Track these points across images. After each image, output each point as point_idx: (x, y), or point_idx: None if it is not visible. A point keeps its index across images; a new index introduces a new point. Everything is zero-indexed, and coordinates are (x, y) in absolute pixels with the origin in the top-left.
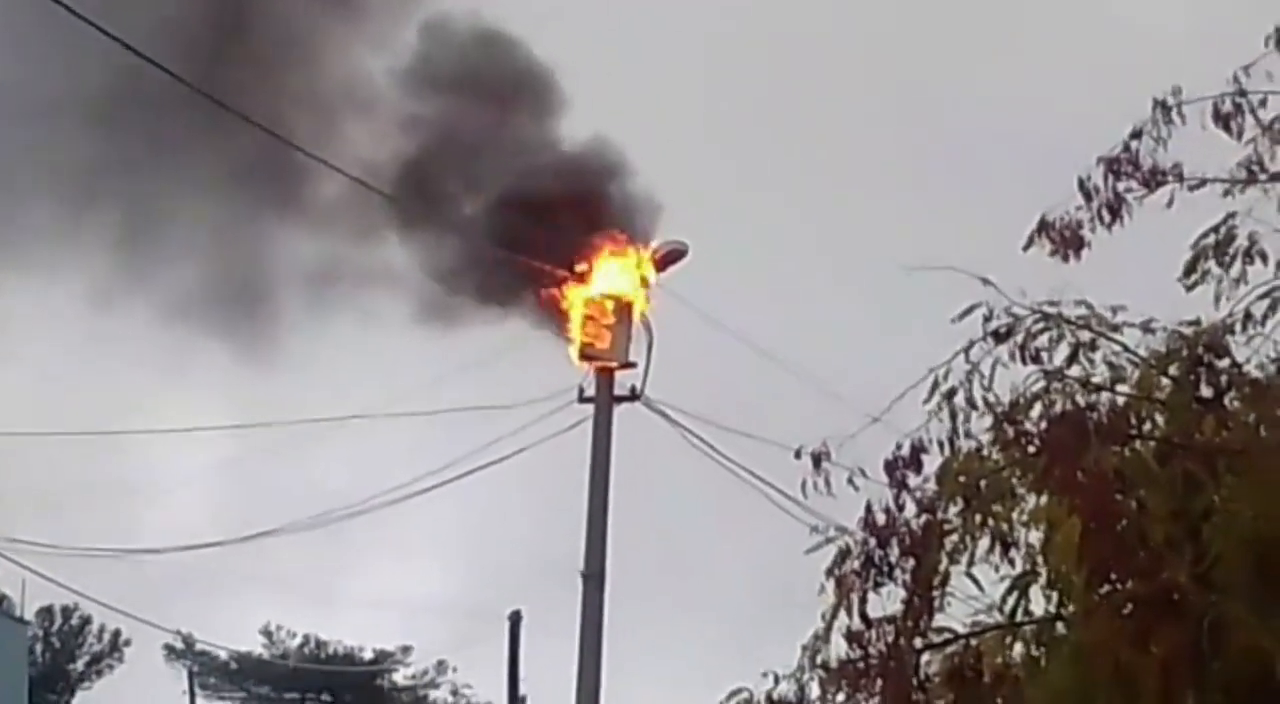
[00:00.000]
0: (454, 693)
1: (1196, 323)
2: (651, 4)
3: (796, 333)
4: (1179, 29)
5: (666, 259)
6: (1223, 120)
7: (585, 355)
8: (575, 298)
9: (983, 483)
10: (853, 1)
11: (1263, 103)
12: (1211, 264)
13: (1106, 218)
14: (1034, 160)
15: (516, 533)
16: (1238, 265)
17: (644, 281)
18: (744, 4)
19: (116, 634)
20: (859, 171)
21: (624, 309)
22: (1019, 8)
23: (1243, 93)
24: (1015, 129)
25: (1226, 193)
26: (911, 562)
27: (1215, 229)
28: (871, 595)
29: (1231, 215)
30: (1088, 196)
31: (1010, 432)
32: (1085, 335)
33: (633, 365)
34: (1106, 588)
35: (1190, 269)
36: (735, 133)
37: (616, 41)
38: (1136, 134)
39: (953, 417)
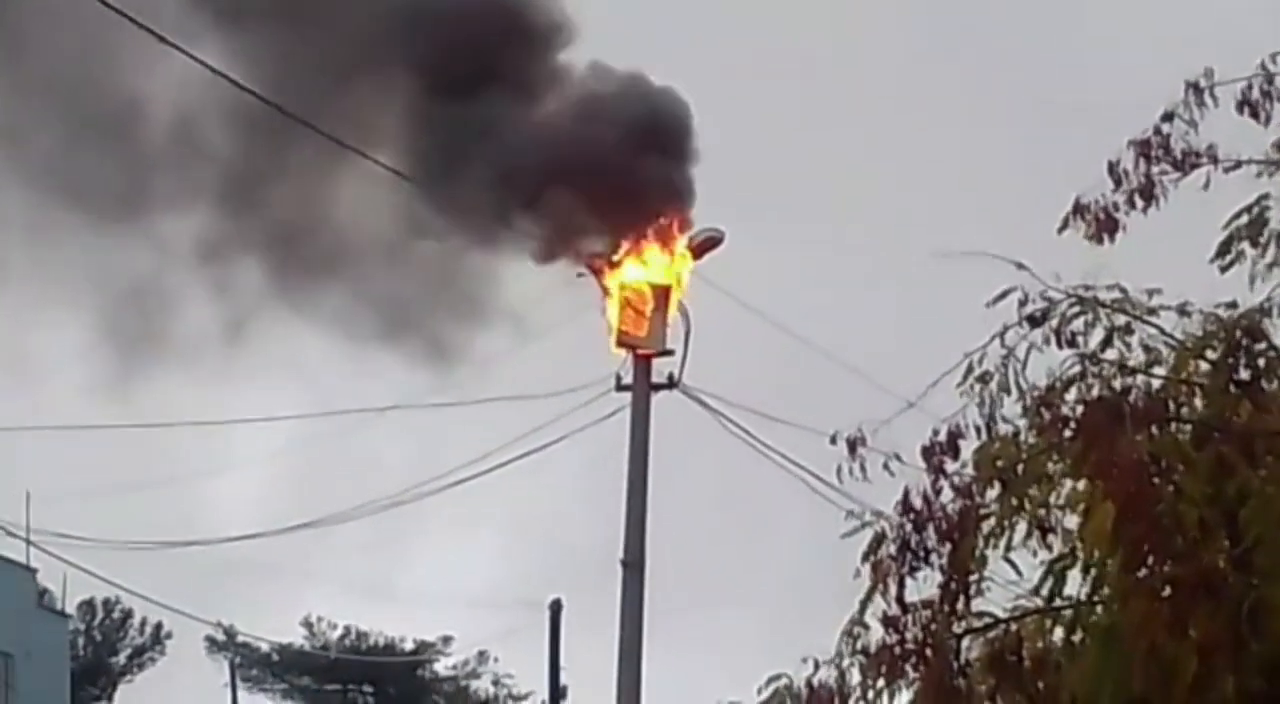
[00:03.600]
0: (495, 683)
1: (1233, 306)
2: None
3: (833, 319)
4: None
5: (703, 246)
6: (1250, 107)
7: (622, 343)
8: (612, 284)
9: (1019, 467)
10: None
11: None
12: (1245, 246)
13: (1139, 202)
14: (1075, 144)
15: (557, 522)
16: (1272, 249)
17: (681, 268)
18: None
19: (158, 627)
20: (894, 157)
21: (661, 296)
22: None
23: (1270, 79)
24: (1058, 112)
25: (1260, 174)
26: (948, 546)
27: (1248, 209)
28: (908, 580)
29: (1264, 197)
30: (1118, 181)
31: (1046, 416)
32: (1120, 319)
33: (670, 353)
34: (1143, 572)
35: (1223, 251)
36: (771, 119)
37: (652, 16)
38: (1168, 116)
39: (988, 401)
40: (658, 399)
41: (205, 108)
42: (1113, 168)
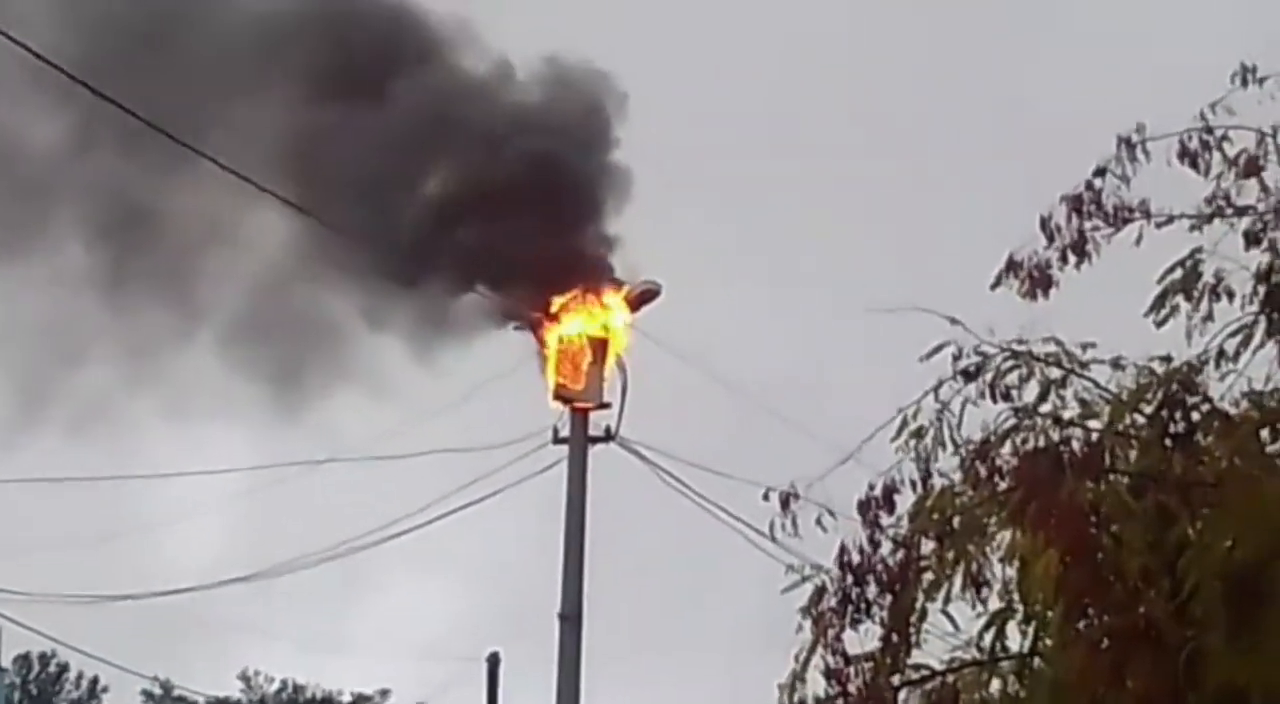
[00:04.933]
0: None
1: (1168, 359)
2: (625, 26)
3: (770, 372)
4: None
5: (640, 299)
6: (1189, 157)
7: (560, 396)
8: (549, 338)
9: (956, 520)
10: (830, 32)
11: (1224, 138)
12: (1179, 299)
13: (1072, 257)
14: (1008, 198)
15: (497, 574)
16: (1205, 301)
17: (618, 322)
18: (717, 24)
19: (94, 681)
20: (827, 210)
21: (598, 349)
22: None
23: (1209, 130)
24: (997, 165)
25: (1193, 228)
26: (888, 599)
27: (1181, 264)
28: (848, 633)
29: (1197, 250)
30: (1050, 236)
31: (982, 469)
32: (1055, 372)
33: (607, 406)
34: (1083, 622)
35: (1157, 305)
36: (706, 171)
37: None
38: (1100, 171)
39: (924, 456)
40: (596, 452)
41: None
42: (1045, 223)
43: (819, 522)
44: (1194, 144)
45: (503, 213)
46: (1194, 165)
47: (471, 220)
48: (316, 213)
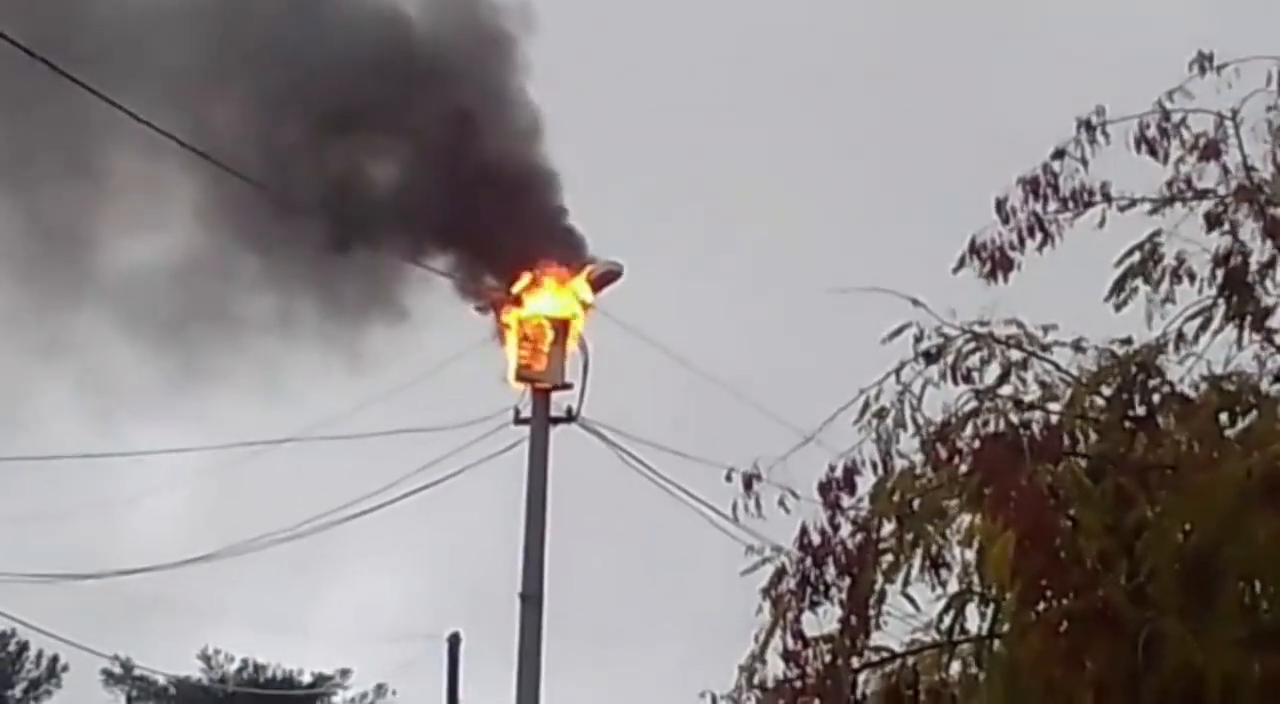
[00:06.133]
0: None
1: (1129, 342)
2: (587, 12)
3: (732, 352)
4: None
5: (601, 280)
6: (1147, 144)
7: (521, 377)
8: (510, 318)
9: (916, 502)
10: (794, 19)
11: (1183, 123)
12: (1139, 283)
13: (1029, 239)
14: (973, 181)
15: (460, 555)
16: (1165, 284)
17: (579, 302)
18: (681, 15)
19: (54, 660)
20: (795, 190)
21: (560, 330)
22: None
23: (1166, 116)
24: (963, 146)
25: (1153, 211)
26: (847, 581)
27: (1140, 247)
28: (808, 615)
29: (1156, 233)
30: (1005, 219)
31: (942, 451)
32: (1016, 355)
33: (569, 386)
34: (1041, 605)
35: (1117, 288)
36: (670, 150)
37: (552, 51)
38: (1059, 154)
39: (885, 437)
40: (558, 432)
41: None
42: (1000, 205)
43: (782, 503)
44: (1152, 131)
45: (462, 189)
46: (1152, 152)
47: (431, 194)
48: (250, 176)
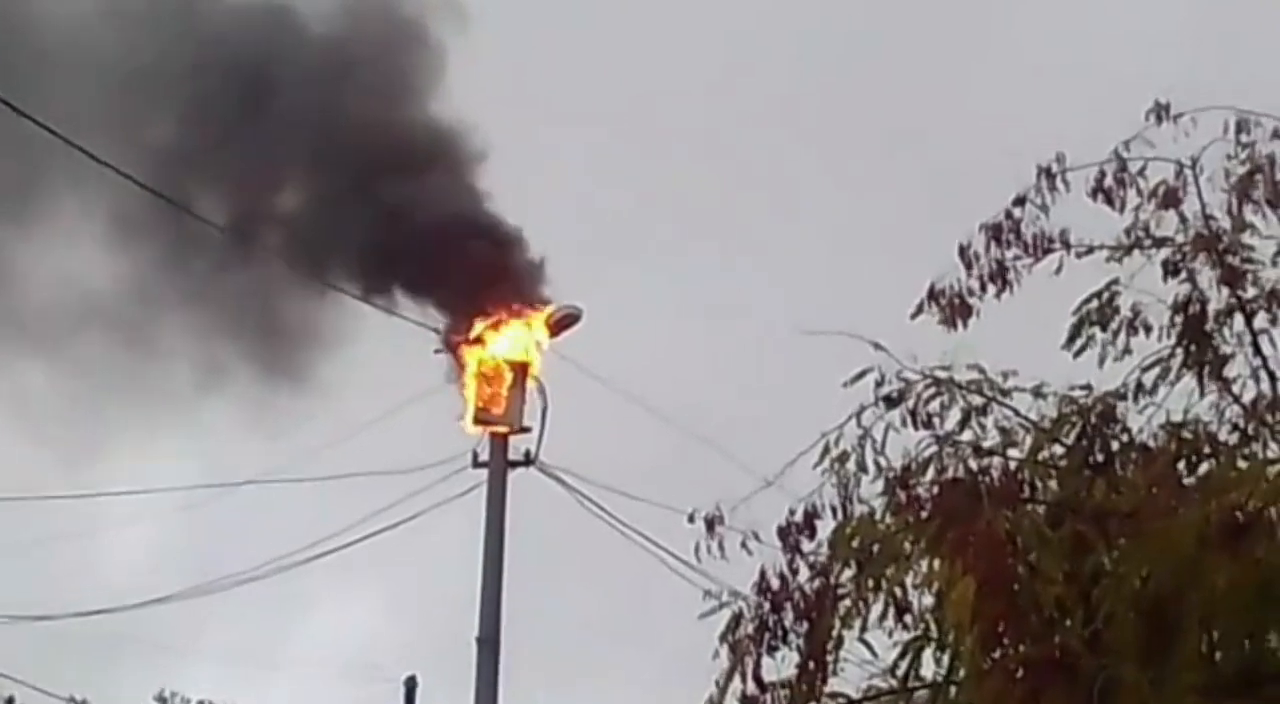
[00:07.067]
0: None
1: (1088, 388)
2: (540, 47)
3: (693, 397)
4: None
5: (560, 323)
6: (1104, 193)
7: (479, 420)
8: (469, 360)
9: (875, 547)
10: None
11: (1142, 172)
12: (1096, 330)
13: (991, 286)
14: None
15: (417, 598)
16: (1123, 335)
17: (538, 346)
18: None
19: (10, 701)
20: (755, 231)
21: (518, 373)
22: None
23: (1124, 167)
24: (919, 189)
25: (1110, 259)
26: (805, 626)
27: (1098, 295)
28: (766, 660)
29: (1114, 282)
30: (969, 264)
31: (902, 496)
32: (977, 400)
33: (527, 430)
34: (998, 651)
35: (1074, 335)
36: (629, 194)
37: (505, 88)
38: (1020, 201)
39: (845, 482)
40: (517, 476)
41: None
42: (964, 251)
43: (744, 546)
44: (1109, 181)
45: (420, 230)
46: (1109, 201)
47: (388, 235)
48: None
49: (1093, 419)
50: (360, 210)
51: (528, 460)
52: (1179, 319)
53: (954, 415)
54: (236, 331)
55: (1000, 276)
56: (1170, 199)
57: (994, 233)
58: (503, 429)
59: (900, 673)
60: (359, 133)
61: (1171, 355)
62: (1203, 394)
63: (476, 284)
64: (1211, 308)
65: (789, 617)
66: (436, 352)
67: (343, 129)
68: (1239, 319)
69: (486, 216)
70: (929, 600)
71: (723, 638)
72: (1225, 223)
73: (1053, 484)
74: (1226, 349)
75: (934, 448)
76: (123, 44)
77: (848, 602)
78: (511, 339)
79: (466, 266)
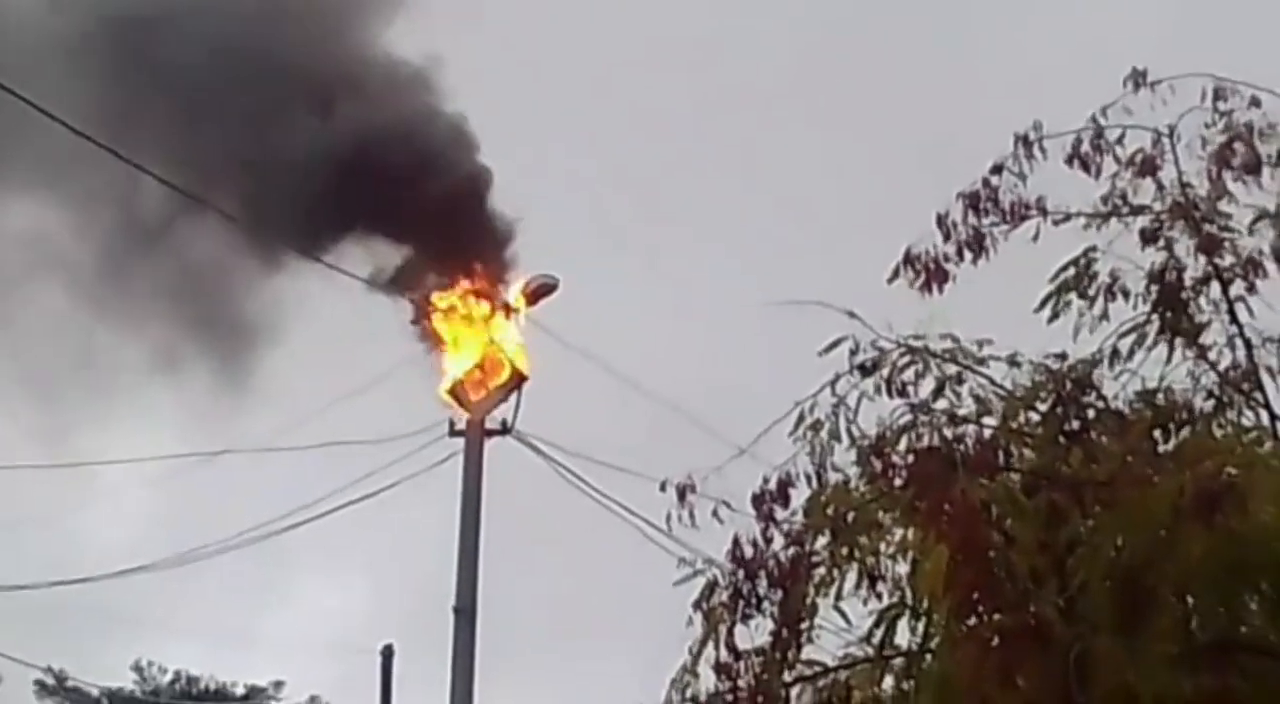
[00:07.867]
0: None
1: (1063, 357)
2: (524, 19)
3: (669, 365)
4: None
5: (537, 293)
6: (1080, 160)
7: (458, 400)
8: (445, 330)
9: (850, 515)
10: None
11: (1120, 140)
12: (1073, 297)
13: (968, 253)
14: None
15: (394, 568)
16: (1100, 301)
17: (512, 312)
18: (621, 20)
19: None
20: (729, 203)
21: (494, 354)
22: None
23: (1100, 134)
24: (902, 157)
25: (1087, 226)
26: (780, 594)
27: (1075, 262)
28: (740, 628)
29: (1091, 249)
30: (947, 233)
31: (877, 464)
32: (951, 369)
33: (505, 401)
34: (973, 620)
35: (1049, 301)
36: (607, 162)
37: (484, 56)
38: (997, 168)
39: (819, 450)
40: (493, 444)
41: None
42: (941, 219)
43: (716, 515)
44: (1085, 147)
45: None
46: (1085, 168)
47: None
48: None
49: (1068, 386)
50: (316, 147)
51: (504, 430)
52: (1155, 287)
53: (929, 384)
54: (197, 302)
55: (977, 243)
56: (1148, 167)
57: (971, 201)
58: (478, 415)
59: (875, 641)
60: (312, 67)
61: (1147, 322)
62: (1170, 359)
63: (453, 252)
64: (1188, 275)
65: (763, 584)
66: (412, 322)
67: (299, 64)
68: (1215, 287)
69: (466, 183)
70: (903, 569)
71: (697, 605)
72: (1203, 190)
73: (1028, 453)
74: (1203, 317)
75: (908, 416)
76: None
77: (822, 570)
78: (488, 309)
79: (442, 232)
